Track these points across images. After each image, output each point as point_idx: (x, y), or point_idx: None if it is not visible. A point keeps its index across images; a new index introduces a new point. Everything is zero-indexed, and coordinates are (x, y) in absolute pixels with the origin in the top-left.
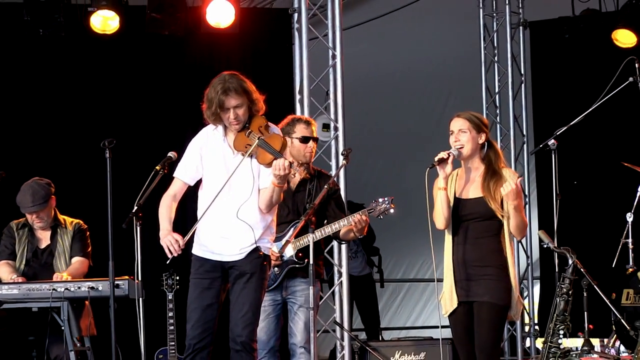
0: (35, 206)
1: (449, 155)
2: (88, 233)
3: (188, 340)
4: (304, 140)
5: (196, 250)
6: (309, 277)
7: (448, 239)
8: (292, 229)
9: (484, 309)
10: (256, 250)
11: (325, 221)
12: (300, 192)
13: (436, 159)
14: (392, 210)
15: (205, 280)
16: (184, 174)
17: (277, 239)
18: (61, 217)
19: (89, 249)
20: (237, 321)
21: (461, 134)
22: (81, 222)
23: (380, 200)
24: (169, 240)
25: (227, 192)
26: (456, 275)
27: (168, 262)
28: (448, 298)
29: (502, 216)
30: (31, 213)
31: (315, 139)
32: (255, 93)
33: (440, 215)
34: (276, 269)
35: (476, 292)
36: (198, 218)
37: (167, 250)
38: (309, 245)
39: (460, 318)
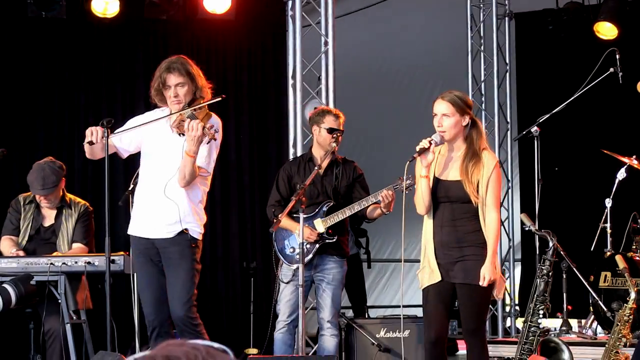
0: (45, 190)
1: (431, 144)
2: (92, 216)
3: (146, 318)
4: (331, 131)
5: (131, 230)
6: (302, 255)
7: (427, 221)
8: (325, 206)
9: (467, 291)
10: (183, 233)
11: (353, 202)
12: (327, 175)
13: (417, 148)
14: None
15: (145, 257)
16: (117, 138)
17: (308, 219)
18: (69, 196)
19: (92, 234)
20: (173, 302)
21: (444, 118)
22: (87, 204)
23: (405, 177)
24: (93, 128)
25: (159, 171)
26: (438, 258)
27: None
28: (428, 272)
29: (476, 202)
30: (40, 195)
31: (342, 132)
32: (200, 78)
33: (420, 202)
34: (309, 245)
35: (458, 274)
36: (137, 197)
37: (89, 134)
38: (338, 222)
39: (438, 293)
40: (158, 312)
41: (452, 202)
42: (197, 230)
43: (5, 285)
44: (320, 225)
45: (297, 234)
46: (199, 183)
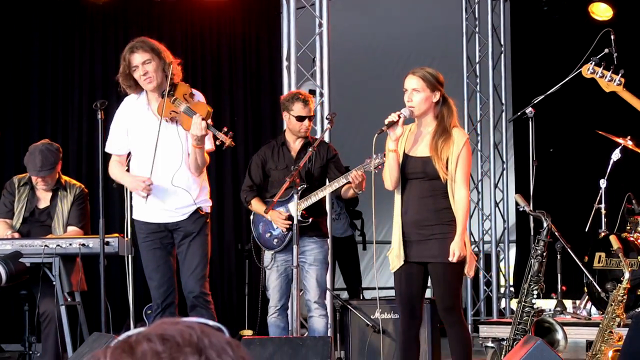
0: (43, 171)
1: (400, 117)
2: (88, 199)
3: (155, 300)
4: (300, 119)
5: (137, 215)
6: (293, 235)
7: (397, 197)
8: (299, 189)
9: (439, 270)
10: (197, 210)
11: (327, 183)
12: (300, 159)
13: (386, 121)
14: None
15: (154, 241)
16: (115, 149)
17: (283, 202)
18: (64, 178)
19: (87, 217)
20: (188, 278)
21: (414, 93)
22: (83, 187)
23: (374, 156)
24: (138, 182)
25: (158, 160)
26: (405, 235)
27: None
28: (396, 255)
29: (445, 178)
30: (38, 177)
31: (311, 117)
32: (165, 53)
33: (387, 177)
34: (284, 229)
35: (428, 253)
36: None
37: (143, 193)
38: (313, 204)
39: (409, 275)
40: (167, 294)
41: (420, 178)
42: (207, 204)
43: None
44: (293, 210)
45: (268, 218)
46: None
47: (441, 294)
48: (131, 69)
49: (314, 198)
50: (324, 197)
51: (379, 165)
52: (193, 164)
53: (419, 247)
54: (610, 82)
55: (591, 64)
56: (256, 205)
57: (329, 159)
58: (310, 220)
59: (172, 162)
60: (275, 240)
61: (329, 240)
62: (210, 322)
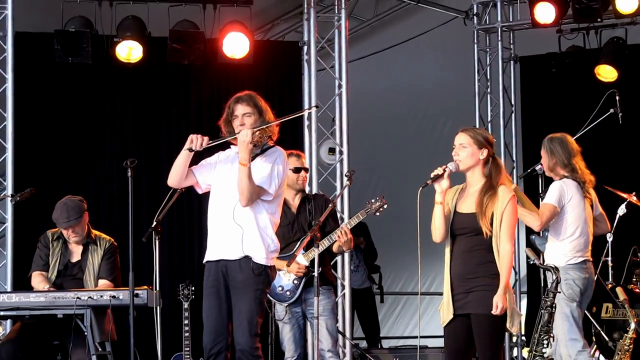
0: (70, 221)
1: (445, 170)
2: (118, 252)
3: (204, 346)
4: (296, 170)
5: (206, 256)
6: (313, 287)
7: (447, 251)
8: (299, 243)
9: (481, 320)
10: (247, 259)
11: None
12: (301, 212)
13: (432, 175)
14: (385, 206)
15: (212, 289)
16: (198, 170)
17: (288, 257)
18: (94, 233)
19: (117, 270)
20: (236, 330)
21: (461, 148)
22: (112, 240)
23: (373, 200)
24: (195, 135)
25: (226, 197)
26: (453, 289)
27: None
28: (445, 309)
29: (488, 234)
30: (67, 228)
31: (307, 169)
32: (268, 113)
33: (434, 229)
34: (295, 280)
35: (471, 304)
36: (208, 224)
37: (190, 142)
38: (319, 254)
39: (456, 329)
40: (215, 342)
41: (466, 234)
42: (262, 256)
43: None
44: (303, 260)
45: (283, 272)
46: (264, 208)
47: (481, 345)
48: (232, 117)
49: (320, 247)
50: (330, 247)
51: (380, 207)
52: (238, 186)
53: (464, 299)
54: None
55: None
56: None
57: (329, 212)
58: (320, 269)
59: (235, 197)
60: (288, 292)
61: (347, 291)
62: None
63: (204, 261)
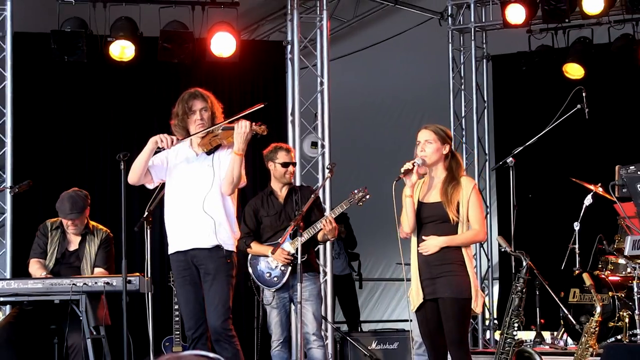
0: (73, 214)
1: (414, 165)
2: (113, 242)
3: (187, 332)
4: (285, 165)
5: (170, 249)
6: (297, 274)
7: (413, 240)
8: (285, 232)
9: (448, 304)
10: (219, 248)
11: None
12: (288, 203)
13: (402, 170)
14: (368, 196)
15: (186, 277)
16: (152, 168)
17: (274, 245)
18: (92, 223)
19: (112, 259)
20: (210, 315)
21: (427, 144)
22: (108, 231)
23: (356, 190)
24: (163, 135)
25: (192, 190)
26: (421, 274)
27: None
28: (415, 295)
29: (455, 220)
30: (68, 219)
31: (294, 164)
32: (216, 106)
33: (405, 221)
34: (282, 267)
35: (439, 289)
36: (165, 216)
37: (159, 141)
38: (305, 242)
39: (426, 313)
40: (197, 326)
41: (433, 221)
42: (230, 244)
43: None
44: (290, 248)
45: (271, 259)
46: (230, 198)
47: (449, 328)
48: (190, 112)
49: (306, 236)
50: (315, 235)
51: (363, 198)
52: (228, 176)
53: (432, 284)
54: None
55: None
56: (257, 248)
57: (313, 202)
58: (306, 256)
59: (202, 189)
60: (275, 278)
61: (328, 277)
62: (211, 355)
63: (170, 252)
